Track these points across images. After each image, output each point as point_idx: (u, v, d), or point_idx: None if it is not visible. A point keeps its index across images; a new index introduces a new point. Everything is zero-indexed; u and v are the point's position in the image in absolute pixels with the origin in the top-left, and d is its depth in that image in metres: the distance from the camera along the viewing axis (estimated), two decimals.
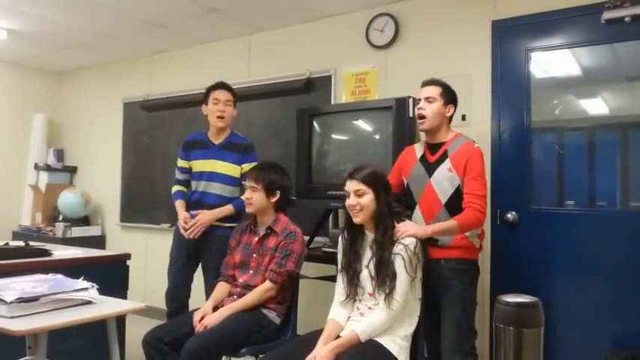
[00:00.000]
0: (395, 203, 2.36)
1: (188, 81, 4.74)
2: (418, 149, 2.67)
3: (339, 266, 2.39)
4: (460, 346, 2.38)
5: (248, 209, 2.78)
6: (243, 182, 3.10)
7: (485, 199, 2.44)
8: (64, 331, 1.88)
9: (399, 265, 2.18)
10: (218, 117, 3.17)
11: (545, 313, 1.12)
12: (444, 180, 2.49)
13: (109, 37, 4.70)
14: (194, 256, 3.16)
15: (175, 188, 3.32)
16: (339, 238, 2.43)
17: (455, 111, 2.63)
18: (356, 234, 2.34)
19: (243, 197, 2.84)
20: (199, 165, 3.22)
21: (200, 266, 3.21)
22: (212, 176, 3.16)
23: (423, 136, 2.73)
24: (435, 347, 2.47)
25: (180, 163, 3.32)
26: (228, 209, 3.10)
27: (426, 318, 2.32)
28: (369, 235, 2.32)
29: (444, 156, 2.52)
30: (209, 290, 3.05)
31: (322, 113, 3.48)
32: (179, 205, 3.24)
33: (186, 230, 3.03)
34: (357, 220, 2.28)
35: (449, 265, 2.44)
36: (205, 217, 3.04)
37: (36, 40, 4.83)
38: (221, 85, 3.25)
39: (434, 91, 2.57)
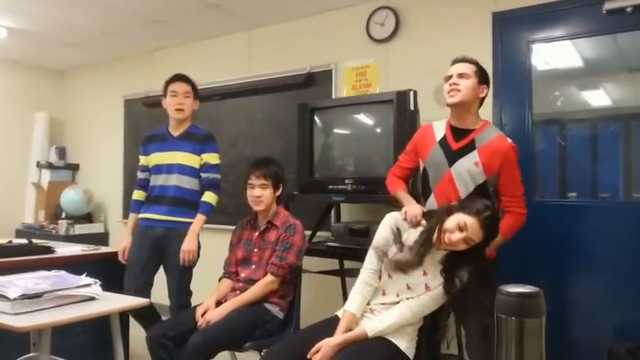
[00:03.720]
0: None
1: (189, 77, 4.73)
2: (437, 129, 2.43)
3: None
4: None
5: (258, 207, 2.71)
6: (202, 174, 3.05)
7: (524, 198, 2.33)
8: (68, 328, 1.90)
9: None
10: (177, 109, 3.05)
11: (548, 304, 1.12)
12: (466, 173, 2.28)
13: (108, 34, 4.70)
14: (155, 257, 3.04)
15: (135, 195, 3.21)
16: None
17: (487, 94, 2.41)
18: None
19: (251, 195, 2.70)
20: (157, 158, 3.10)
21: (162, 267, 3.08)
22: (170, 168, 3.05)
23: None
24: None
25: (141, 160, 3.21)
26: (201, 220, 3.01)
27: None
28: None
29: (471, 146, 2.29)
30: (173, 290, 3.01)
31: (323, 108, 3.48)
32: (129, 222, 3.16)
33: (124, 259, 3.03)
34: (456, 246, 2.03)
35: None
36: (190, 244, 2.94)
37: (36, 38, 4.83)
38: (179, 77, 3.13)
39: (468, 68, 2.34)
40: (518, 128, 3.16)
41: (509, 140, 2.32)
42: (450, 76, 2.36)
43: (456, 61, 2.40)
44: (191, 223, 3.01)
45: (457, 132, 2.35)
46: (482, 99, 2.39)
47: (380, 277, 2.17)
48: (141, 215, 3.12)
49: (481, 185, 2.28)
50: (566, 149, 3.20)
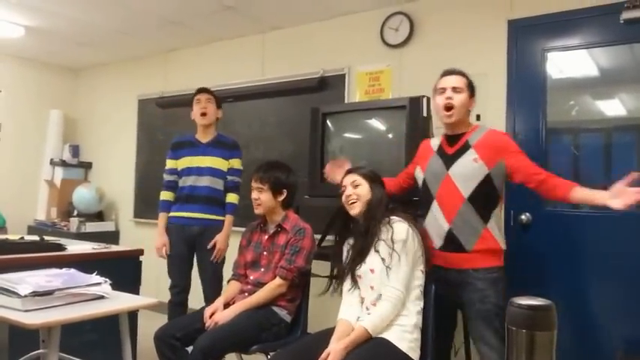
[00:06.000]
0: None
1: (203, 78, 4.75)
2: (434, 142, 2.54)
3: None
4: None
5: (257, 210, 2.78)
6: (228, 177, 3.38)
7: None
8: (77, 326, 1.90)
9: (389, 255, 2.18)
10: (201, 114, 3.38)
11: (558, 315, 1.11)
12: (466, 172, 2.32)
13: (124, 34, 4.74)
14: (191, 251, 3.36)
15: (163, 195, 3.47)
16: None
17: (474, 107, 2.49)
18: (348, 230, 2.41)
19: (252, 197, 2.81)
20: (187, 162, 3.38)
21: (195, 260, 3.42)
22: (200, 170, 3.33)
23: (436, 133, 2.69)
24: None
25: (169, 164, 3.48)
26: (231, 220, 3.36)
27: (438, 329, 2.25)
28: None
29: (466, 147, 2.36)
30: (209, 283, 3.26)
31: (336, 112, 3.47)
32: (161, 221, 3.43)
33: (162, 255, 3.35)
34: (354, 211, 2.31)
35: (480, 274, 2.30)
36: (223, 243, 3.30)
37: (52, 36, 4.88)
38: (201, 90, 3.48)
39: (461, 81, 2.40)
40: (532, 137, 3.14)
41: (499, 130, 2.44)
42: (444, 89, 2.40)
43: (448, 73, 2.44)
44: (222, 219, 3.35)
45: (450, 139, 2.45)
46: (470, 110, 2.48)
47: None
48: (173, 214, 3.40)
49: (485, 181, 2.31)
50: (579, 159, 3.17)
